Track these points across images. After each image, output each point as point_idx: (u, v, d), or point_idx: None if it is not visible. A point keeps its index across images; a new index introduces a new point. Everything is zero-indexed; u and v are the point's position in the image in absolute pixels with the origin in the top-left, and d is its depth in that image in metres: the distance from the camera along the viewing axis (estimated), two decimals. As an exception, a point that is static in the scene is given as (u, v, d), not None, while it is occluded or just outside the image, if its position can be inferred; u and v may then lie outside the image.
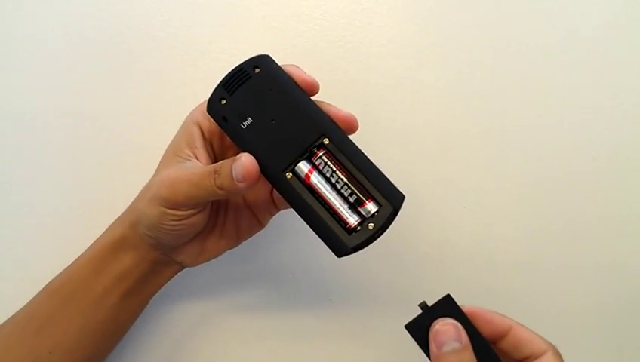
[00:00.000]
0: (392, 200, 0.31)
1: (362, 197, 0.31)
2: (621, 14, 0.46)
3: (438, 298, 0.30)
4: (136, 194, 0.37)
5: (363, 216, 0.31)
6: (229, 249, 0.39)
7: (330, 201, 0.31)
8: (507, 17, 0.46)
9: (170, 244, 0.36)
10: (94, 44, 0.46)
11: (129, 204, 0.38)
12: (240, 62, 0.34)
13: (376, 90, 0.46)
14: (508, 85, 0.46)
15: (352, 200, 0.31)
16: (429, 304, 0.30)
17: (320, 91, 0.35)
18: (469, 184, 0.45)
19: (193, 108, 0.37)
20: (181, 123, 0.37)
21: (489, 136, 0.45)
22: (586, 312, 0.44)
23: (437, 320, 0.29)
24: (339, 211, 0.31)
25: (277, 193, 0.34)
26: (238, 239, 0.39)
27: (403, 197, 0.31)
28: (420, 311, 0.29)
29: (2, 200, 0.45)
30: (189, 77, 0.46)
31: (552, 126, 0.45)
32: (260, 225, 0.39)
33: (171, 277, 0.39)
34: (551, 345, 0.30)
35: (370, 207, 0.31)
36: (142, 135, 0.45)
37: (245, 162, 0.31)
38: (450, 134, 0.45)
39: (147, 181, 0.37)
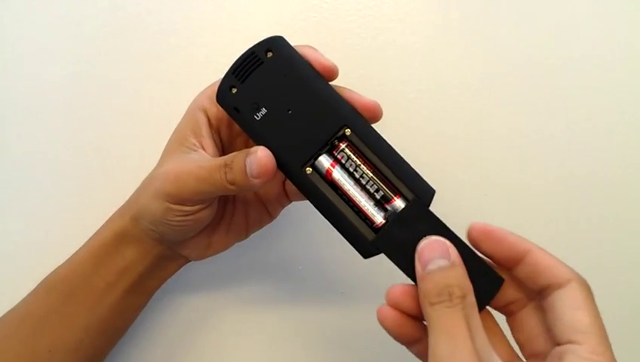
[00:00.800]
0: (422, 195, 0.29)
1: (390, 193, 0.29)
2: None
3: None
4: (136, 184, 0.35)
5: (390, 213, 0.29)
6: (238, 242, 0.37)
7: (354, 198, 0.29)
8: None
9: (175, 239, 0.34)
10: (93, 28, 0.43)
11: (126, 193, 0.35)
12: (251, 46, 0.30)
13: (390, 69, 0.43)
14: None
15: (378, 196, 0.29)
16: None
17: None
18: (487, 177, 0.44)
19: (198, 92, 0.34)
20: (184, 110, 0.34)
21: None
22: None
23: (423, 239, 0.27)
24: (364, 209, 0.29)
25: (289, 183, 0.31)
26: (247, 231, 0.37)
27: (433, 192, 0.29)
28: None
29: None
30: (191, 55, 0.43)
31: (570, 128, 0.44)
32: (270, 217, 0.37)
33: (176, 271, 0.37)
34: (576, 274, 0.26)
35: (399, 203, 0.29)
36: (141, 124, 0.43)
37: (261, 157, 0.29)
38: (469, 117, 0.43)
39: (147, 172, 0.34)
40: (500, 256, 0.27)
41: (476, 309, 0.25)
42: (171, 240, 0.34)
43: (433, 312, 0.25)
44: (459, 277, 0.25)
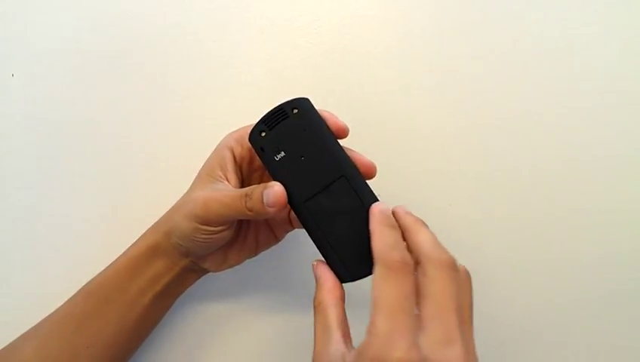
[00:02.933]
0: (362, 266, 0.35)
1: None
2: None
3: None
4: (165, 203, 0.41)
5: None
6: (249, 258, 0.44)
7: None
8: (493, 27, 0.50)
9: (198, 253, 0.40)
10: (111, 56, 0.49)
11: (155, 211, 0.41)
12: (282, 102, 0.38)
13: (367, 95, 0.50)
14: (501, 89, 0.50)
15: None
16: None
17: (315, 98, 0.38)
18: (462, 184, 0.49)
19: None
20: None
21: (483, 139, 0.50)
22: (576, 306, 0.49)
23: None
24: None
25: (294, 214, 0.38)
26: (256, 250, 0.43)
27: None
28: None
29: (45, 208, 0.48)
30: (192, 88, 0.49)
31: (547, 122, 0.50)
32: (276, 239, 0.44)
33: (197, 280, 0.43)
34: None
35: None
36: (167, 146, 0.49)
37: (277, 191, 0.35)
38: (441, 138, 0.50)
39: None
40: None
41: None
42: (195, 254, 0.40)
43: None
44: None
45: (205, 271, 0.43)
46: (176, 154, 0.48)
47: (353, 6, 0.50)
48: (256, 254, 0.44)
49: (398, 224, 0.34)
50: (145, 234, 0.42)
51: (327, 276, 0.35)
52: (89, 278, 0.42)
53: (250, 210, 0.36)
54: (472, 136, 0.50)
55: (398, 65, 0.50)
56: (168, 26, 0.49)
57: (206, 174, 0.40)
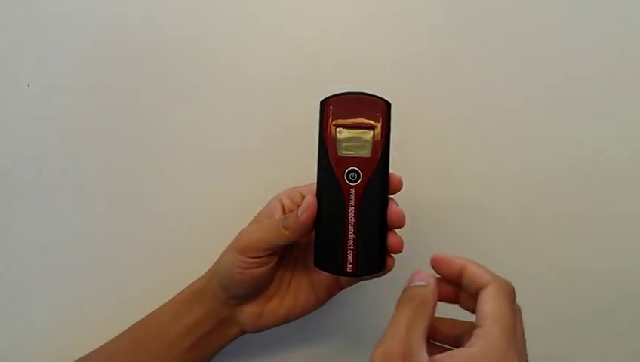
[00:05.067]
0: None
1: None
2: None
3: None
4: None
5: None
6: (287, 321, 0.43)
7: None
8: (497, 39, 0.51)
9: (235, 294, 0.41)
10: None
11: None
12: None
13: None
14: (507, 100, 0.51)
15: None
16: None
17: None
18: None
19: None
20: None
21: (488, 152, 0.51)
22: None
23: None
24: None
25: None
26: (294, 310, 0.43)
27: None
28: None
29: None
30: (203, 97, 0.50)
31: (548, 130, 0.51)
32: (318, 300, 0.43)
33: (232, 340, 0.43)
34: (495, 277, 0.32)
35: None
36: (178, 155, 0.50)
37: (308, 198, 0.37)
38: (446, 153, 0.51)
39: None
40: (446, 273, 0.34)
41: (427, 313, 0.32)
42: (232, 297, 0.41)
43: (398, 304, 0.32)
44: (427, 292, 0.32)
45: (241, 330, 0.43)
46: (189, 165, 0.50)
47: (363, 16, 0.51)
48: (295, 317, 0.43)
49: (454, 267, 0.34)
50: (193, 281, 0.43)
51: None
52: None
53: (285, 228, 0.38)
54: (482, 140, 0.51)
55: (409, 75, 0.51)
56: (179, 36, 0.50)
57: (256, 221, 0.43)
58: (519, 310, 0.33)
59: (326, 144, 0.38)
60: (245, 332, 0.43)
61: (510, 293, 0.32)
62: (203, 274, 0.43)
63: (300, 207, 0.37)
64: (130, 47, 0.50)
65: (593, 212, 0.51)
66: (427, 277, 0.33)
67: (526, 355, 0.31)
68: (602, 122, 0.51)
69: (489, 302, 0.31)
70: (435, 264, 0.35)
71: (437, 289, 0.33)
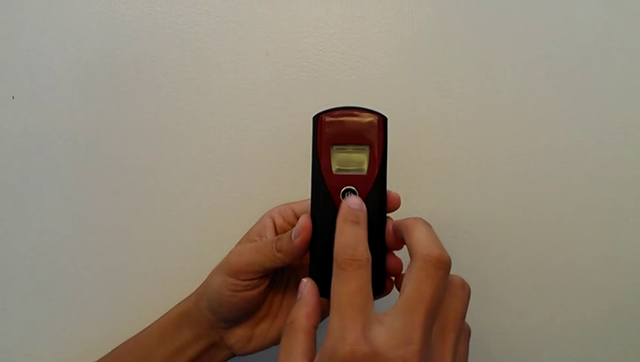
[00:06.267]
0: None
1: None
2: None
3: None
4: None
5: None
6: (278, 342, 0.40)
7: None
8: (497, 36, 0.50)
9: (225, 317, 0.39)
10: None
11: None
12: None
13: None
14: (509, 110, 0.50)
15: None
16: None
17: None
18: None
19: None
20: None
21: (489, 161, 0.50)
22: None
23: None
24: None
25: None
26: None
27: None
28: None
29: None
30: (198, 109, 0.49)
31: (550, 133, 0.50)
32: None
33: None
34: (430, 252, 0.30)
35: None
36: (170, 164, 0.48)
37: (302, 219, 0.35)
38: (445, 161, 0.50)
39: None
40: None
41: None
42: (222, 319, 0.39)
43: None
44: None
45: (231, 353, 0.41)
46: (180, 172, 0.49)
47: (359, 28, 0.50)
48: None
49: (400, 226, 0.33)
50: (182, 300, 0.42)
51: (312, 299, 0.33)
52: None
53: (278, 251, 0.36)
54: (484, 148, 0.50)
55: (405, 87, 0.50)
56: (173, 45, 0.49)
57: (246, 239, 0.41)
58: (469, 330, 0.31)
59: (320, 161, 0.36)
60: (235, 355, 0.41)
61: (437, 272, 0.29)
62: (189, 294, 0.42)
63: (294, 230, 0.35)
64: (120, 58, 0.49)
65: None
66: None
67: None
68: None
69: (411, 279, 0.29)
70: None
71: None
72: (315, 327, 0.32)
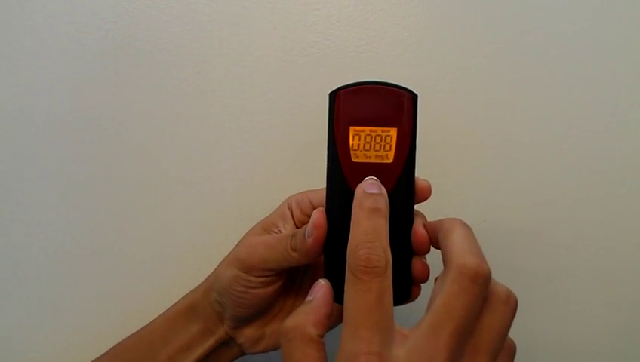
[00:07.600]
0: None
1: None
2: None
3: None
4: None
5: None
6: None
7: None
8: (519, 17, 0.47)
9: (235, 315, 0.36)
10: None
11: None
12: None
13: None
14: (523, 89, 0.47)
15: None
16: None
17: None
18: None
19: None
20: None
21: (504, 146, 0.47)
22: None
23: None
24: None
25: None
26: None
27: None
28: None
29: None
30: (200, 88, 0.45)
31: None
32: None
33: (231, 361, 0.39)
34: (467, 262, 0.26)
35: None
36: (173, 144, 0.45)
37: (316, 217, 0.31)
38: (463, 144, 0.47)
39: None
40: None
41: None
42: (232, 318, 0.36)
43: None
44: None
45: (240, 351, 0.38)
46: (184, 152, 0.45)
47: (373, 1, 0.46)
48: None
49: (435, 227, 0.30)
50: (187, 293, 0.39)
51: (323, 307, 0.29)
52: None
53: (293, 250, 0.32)
54: (503, 146, 0.47)
55: (419, 65, 0.46)
56: (170, 18, 0.45)
57: (262, 227, 0.37)
58: (513, 347, 0.28)
59: (337, 147, 0.31)
60: (245, 354, 0.38)
61: (473, 287, 0.25)
62: (191, 290, 0.39)
63: (307, 227, 0.32)
64: (113, 32, 0.45)
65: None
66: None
67: None
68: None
69: (442, 292, 0.26)
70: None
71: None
72: (323, 336, 0.28)
